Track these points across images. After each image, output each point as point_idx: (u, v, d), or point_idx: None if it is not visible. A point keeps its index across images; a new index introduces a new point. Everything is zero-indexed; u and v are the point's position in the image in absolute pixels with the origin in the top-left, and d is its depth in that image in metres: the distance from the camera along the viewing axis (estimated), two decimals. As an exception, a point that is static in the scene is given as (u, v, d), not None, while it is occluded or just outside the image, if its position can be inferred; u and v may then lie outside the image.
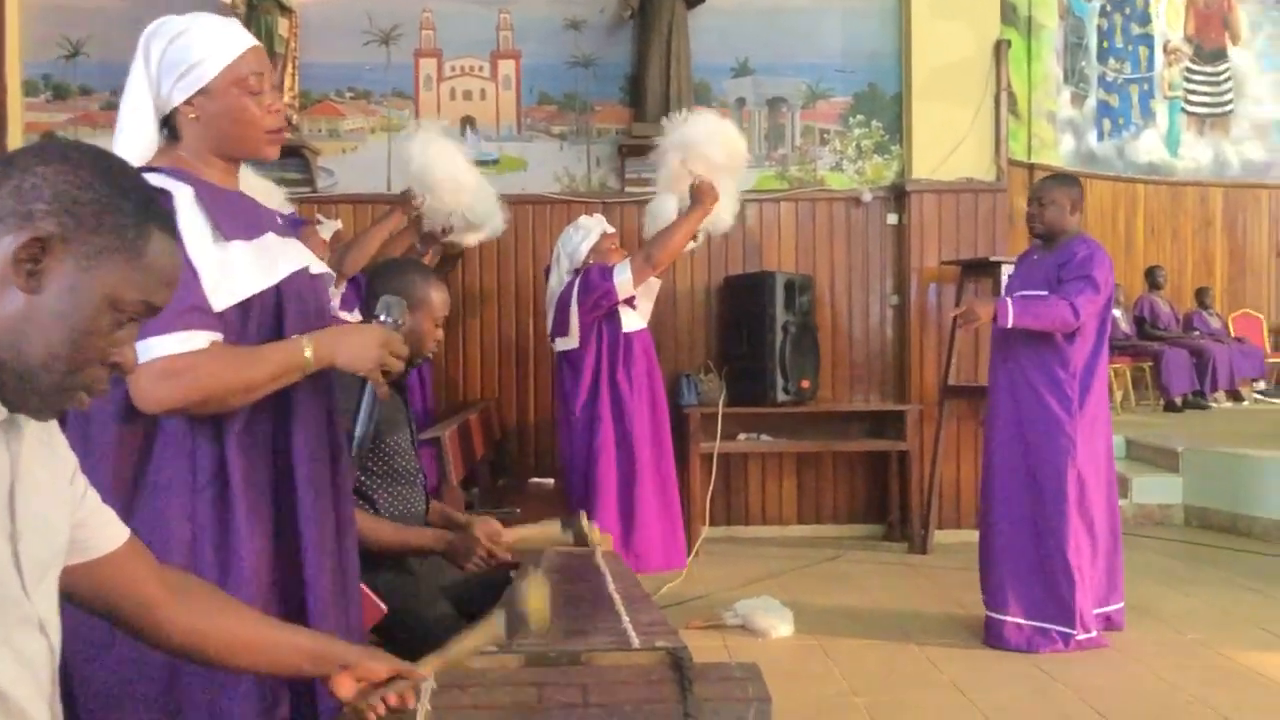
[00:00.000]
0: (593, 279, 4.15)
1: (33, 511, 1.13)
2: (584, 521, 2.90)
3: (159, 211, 1.15)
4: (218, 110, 1.76)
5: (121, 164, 1.15)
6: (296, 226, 3.33)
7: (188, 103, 1.76)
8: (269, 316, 1.78)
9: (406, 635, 2.54)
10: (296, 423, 1.79)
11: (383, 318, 1.91)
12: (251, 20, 5.44)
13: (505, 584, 2.58)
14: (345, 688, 1.49)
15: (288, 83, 5.76)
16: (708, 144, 4.13)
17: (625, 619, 2.22)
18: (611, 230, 4.45)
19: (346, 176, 6.04)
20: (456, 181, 4.13)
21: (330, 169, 6.08)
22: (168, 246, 1.15)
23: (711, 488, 5.76)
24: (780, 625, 4.23)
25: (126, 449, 1.68)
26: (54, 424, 1.24)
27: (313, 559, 1.80)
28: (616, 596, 2.43)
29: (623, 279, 4.09)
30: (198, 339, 1.65)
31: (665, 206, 4.41)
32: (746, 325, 5.94)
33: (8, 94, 5.66)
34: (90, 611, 1.34)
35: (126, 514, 1.64)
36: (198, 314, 1.66)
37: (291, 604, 1.79)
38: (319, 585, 1.80)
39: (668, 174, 4.21)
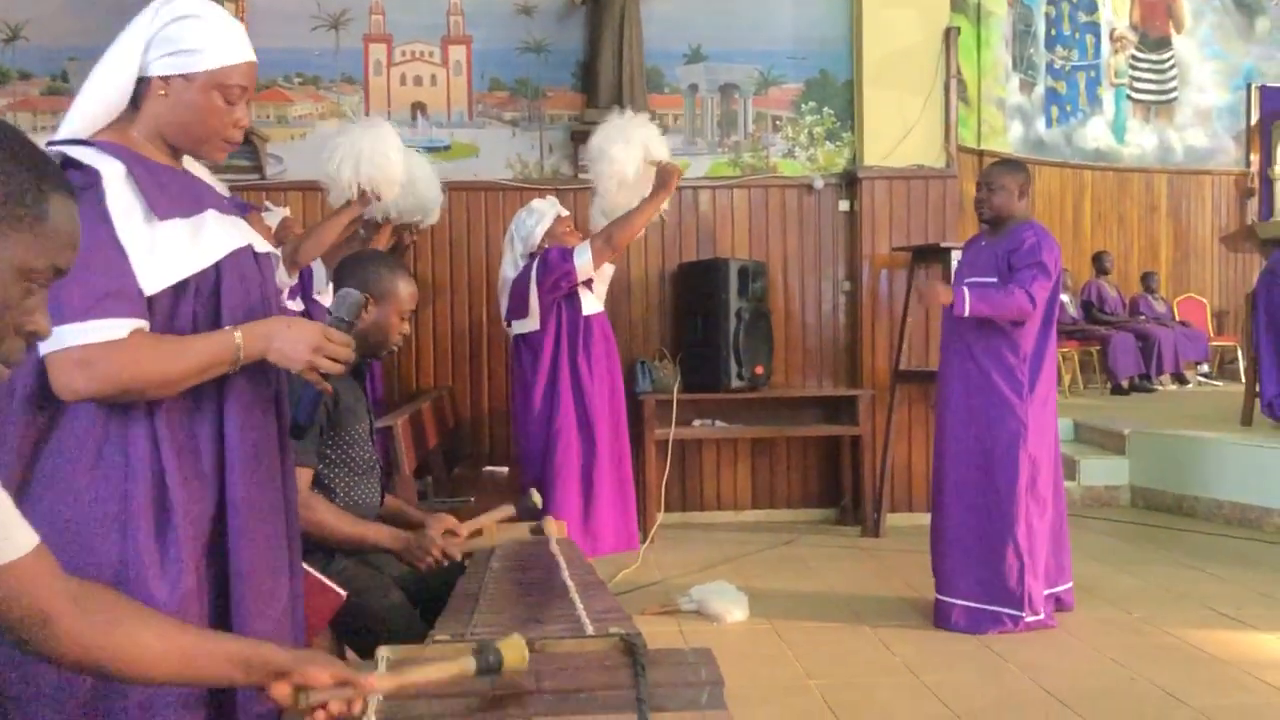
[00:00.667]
0: (552, 259, 4.14)
1: None
2: (534, 498, 2.93)
3: (52, 174, 1.13)
4: (188, 102, 1.73)
5: (10, 131, 1.12)
6: (241, 212, 3.28)
7: (164, 79, 1.72)
8: (205, 297, 1.73)
9: (360, 624, 2.53)
10: (231, 406, 1.75)
11: (332, 314, 1.86)
12: (196, 4, 5.35)
13: (459, 573, 2.58)
14: (282, 693, 1.41)
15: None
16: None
17: (579, 606, 2.22)
18: (566, 213, 4.43)
19: (295, 163, 5.97)
20: (399, 172, 4.14)
21: (279, 155, 6.01)
22: (68, 208, 1.14)
23: (667, 474, 5.78)
24: (735, 610, 4.25)
25: (33, 434, 1.63)
26: None
27: (243, 544, 1.75)
28: (571, 584, 2.43)
29: (583, 260, 4.09)
30: (116, 327, 1.60)
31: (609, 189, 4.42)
32: (700, 312, 5.96)
33: (-57, 78, 5.53)
34: None
35: (27, 500, 1.60)
36: (117, 300, 1.61)
37: (221, 597, 1.75)
38: (248, 574, 1.75)
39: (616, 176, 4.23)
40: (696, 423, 5.97)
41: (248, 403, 1.77)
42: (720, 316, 5.82)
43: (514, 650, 1.56)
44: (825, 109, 6.39)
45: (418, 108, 6.12)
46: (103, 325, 1.59)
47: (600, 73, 5.94)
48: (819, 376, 6.40)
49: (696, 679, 1.63)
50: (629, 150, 4.21)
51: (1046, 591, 4.12)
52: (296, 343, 1.73)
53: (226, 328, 1.72)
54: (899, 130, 6.15)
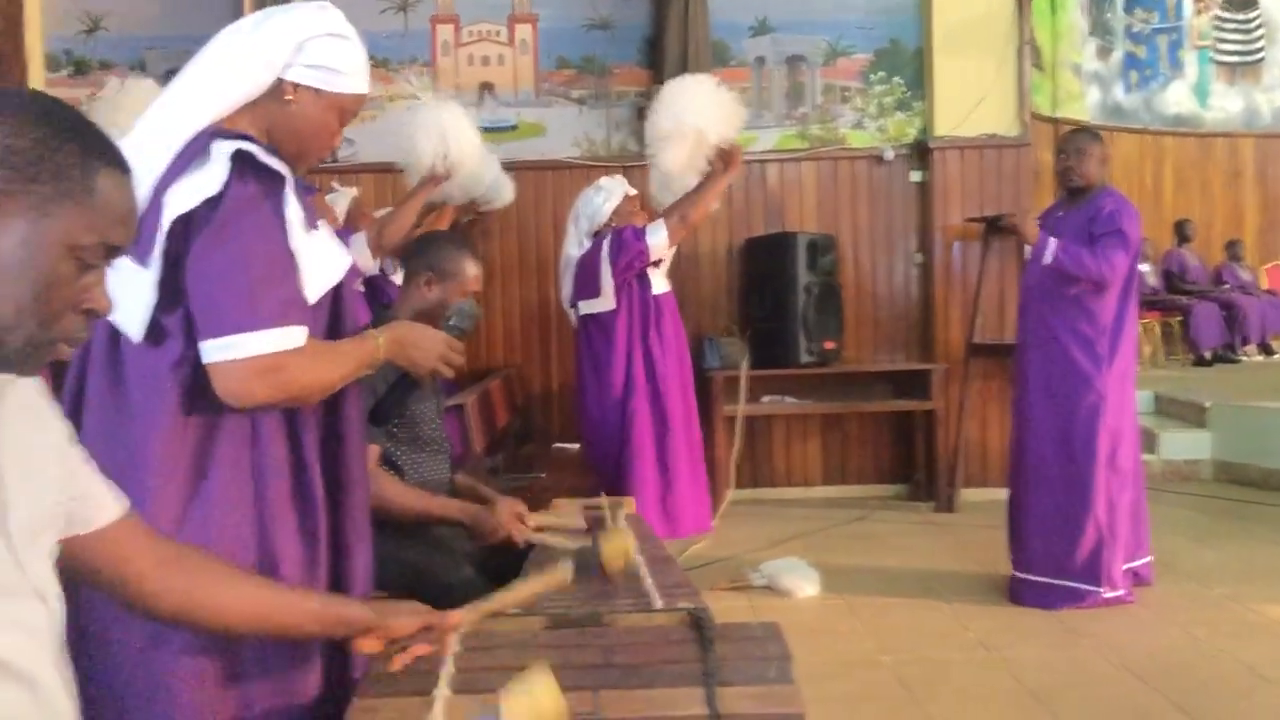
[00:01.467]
0: (626, 239, 4.12)
1: (20, 480, 1.12)
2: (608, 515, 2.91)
3: (101, 147, 1.10)
4: (309, 115, 1.74)
5: (50, 102, 1.10)
6: (307, 194, 3.31)
7: (296, 86, 1.73)
8: (326, 305, 1.76)
9: (432, 598, 2.55)
10: (348, 404, 1.80)
11: (452, 322, 1.95)
12: (267, -9, 5.44)
13: (529, 550, 2.61)
14: (370, 648, 1.49)
15: (305, 52, 5.74)
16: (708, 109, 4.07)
17: (648, 581, 2.23)
18: (634, 192, 4.42)
19: (367, 145, 6.04)
20: (473, 150, 4.15)
21: (350, 138, 6.08)
22: (118, 182, 1.11)
23: (736, 450, 5.77)
24: (806, 585, 4.24)
25: (186, 440, 1.63)
26: (43, 393, 1.23)
27: (356, 537, 1.81)
28: (640, 558, 2.44)
29: (657, 239, 4.06)
30: (295, 335, 1.61)
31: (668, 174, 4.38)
32: (769, 287, 5.92)
33: (30, 69, 5.68)
34: (94, 587, 1.33)
35: (187, 507, 1.62)
36: (294, 308, 1.62)
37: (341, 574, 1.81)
38: (356, 543, 1.82)
39: (675, 148, 4.13)
40: (766, 399, 5.94)
41: (357, 398, 1.83)
42: (789, 291, 5.78)
43: (615, 544, 1.62)
44: (895, 78, 6.29)
45: (485, 88, 6.16)
46: (287, 333, 1.60)
47: (666, 48, 5.91)
48: (890, 351, 6.32)
49: (764, 654, 1.63)
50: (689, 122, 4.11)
51: (1125, 566, 4.05)
52: (428, 352, 1.86)
53: (370, 332, 1.78)
54: (971, 99, 6.04)
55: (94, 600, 1.46)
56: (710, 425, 5.55)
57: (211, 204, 1.60)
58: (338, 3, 1.83)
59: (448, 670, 1.57)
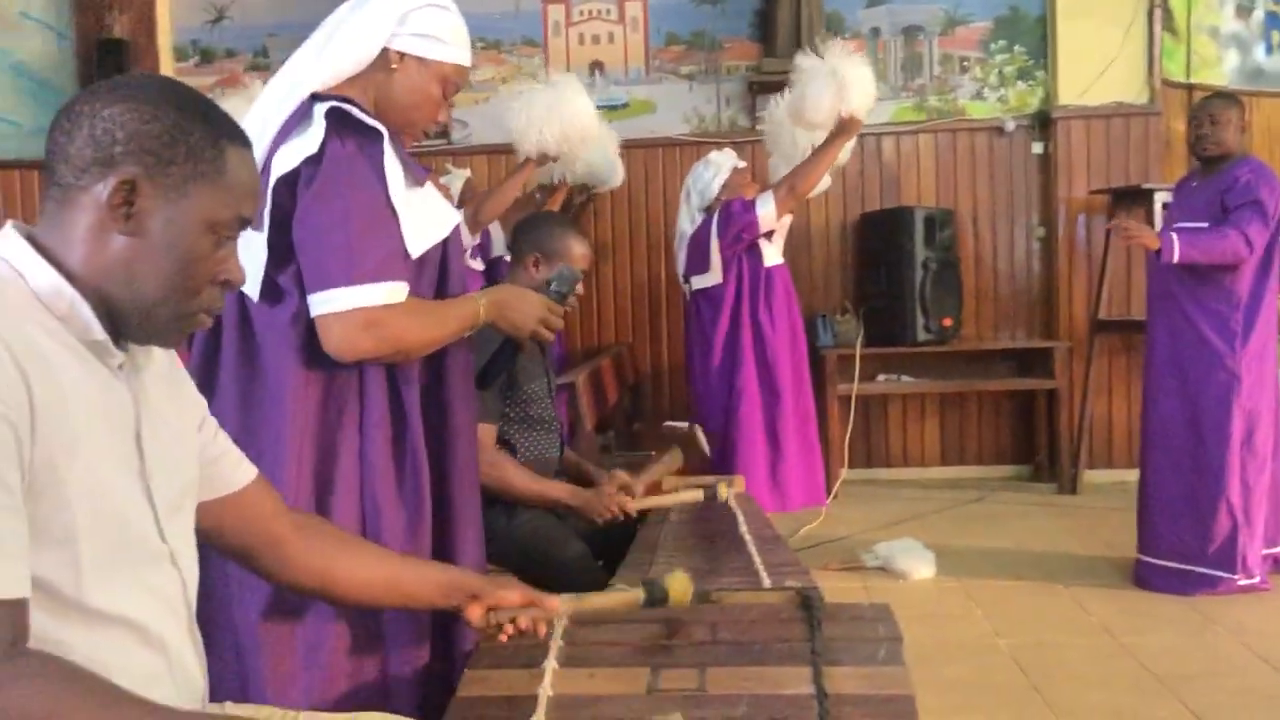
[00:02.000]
0: (734, 211, 4.10)
1: (161, 449, 1.17)
2: (698, 434, 2.95)
3: (228, 127, 1.16)
4: (414, 84, 1.81)
5: (180, 88, 1.15)
6: (423, 177, 3.37)
7: (401, 55, 1.79)
8: (435, 264, 1.81)
9: (543, 573, 2.59)
10: (451, 366, 1.83)
11: (552, 287, 1.97)
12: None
13: (639, 525, 2.61)
14: (476, 615, 1.52)
15: (420, 35, 5.82)
16: (867, 94, 3.99)
17: (757, 559, 2.22)
18: (743, 165, 4.38)
19: (480, 127, 6.10)
20: (576, 131, 4.15)
21: (464, 120, 6.15)
22: (244, 158, 1.17)
23: (850, 429, 5.69)
24: (921, 567, 4.16)
25: (309, 399, 1.69)
26: (177, 364, 1.28)
27: (456, 484, 1.84)
28: (748, 537, 2.43)
29: (766, 210, 4.03)
30: (398, 290, 1.66)
31: (782, 132, 4.31)
32: (884, 263, 5.81)
33: (159, 59, 5.89)
34: (226, 553, 1.39)
35: (311, 456, 1.68)
36: (395, 263, 1.66)
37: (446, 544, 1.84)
38: (462, 509, 1.85)
39: (820, 104, 4.02)
40: (881, 377, 5.84)
41: (462, 363, 1.87)
42: (905, 267, 5.66)
43: (678, 585, 1.66)
44: (1016, 46, 6.08)
45: (595, 66, 6.16)
46: (389, 288, 1.64)
47: (778, 20, 5.82)
48: (1011, 328, 6.15)
49: (874, 635, 1.60)
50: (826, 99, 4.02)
51: (1265, 552, 3.87)
52: (527, 315, 1.86)
53: (472, 294, 1.82)
54: (1097, 65, 5.80)
55: (220, 567, 1.51)
56: (823, 404, 5.49)
57: (311, 163, 1.65)
58: (452, -17, 1.86)
59: (556, 643, 1.58)
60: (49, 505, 1.00)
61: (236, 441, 1.39)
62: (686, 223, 4.39)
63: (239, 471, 1.36)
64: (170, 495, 1.18)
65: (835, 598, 1.76)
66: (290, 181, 1.66)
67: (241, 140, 1.17)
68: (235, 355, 1.70)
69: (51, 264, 1.08)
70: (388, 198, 1.67)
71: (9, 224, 1.11)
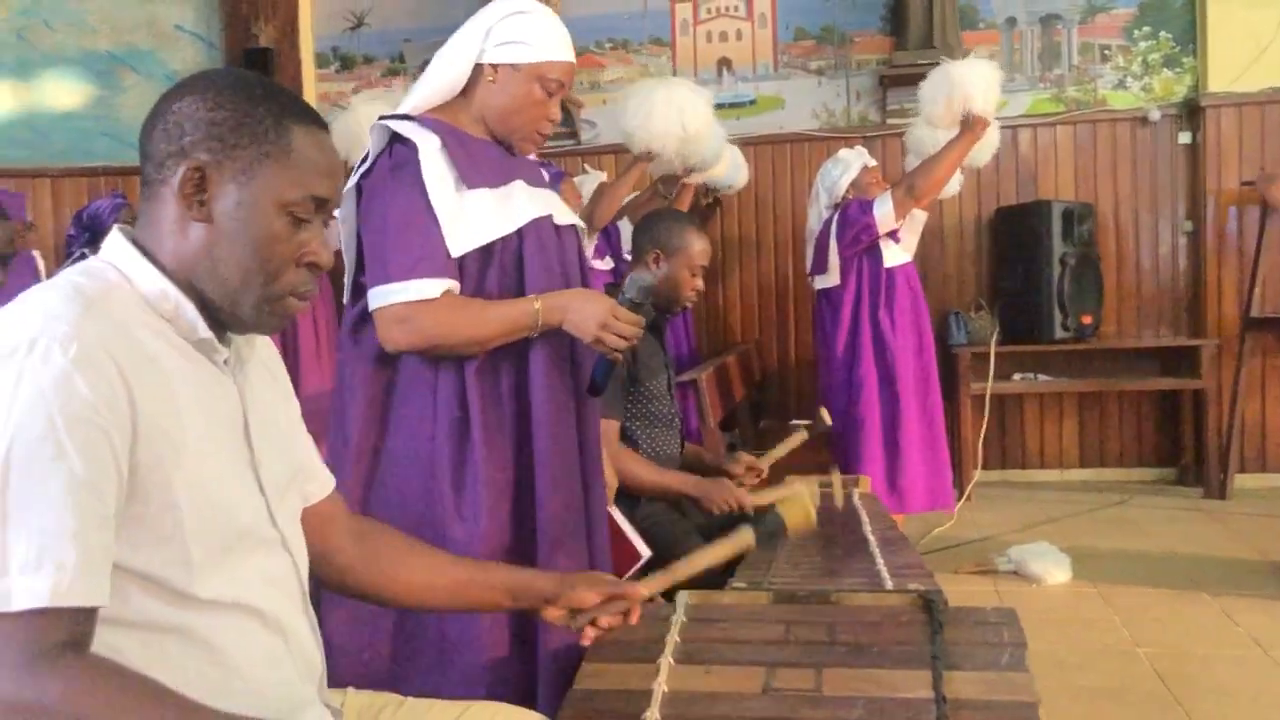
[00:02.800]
0: (851, 213, 4.05)
1: (268, 438, 1.21)
2: (824, 415, 2.95)
3: (294, 108, 1.17)
4: (512, 90, 1.87)
5: (246, 75, 1.18)
6: (555, 179, 3.45)
7: (494, 67, 1.87)
8: (509, 262, 1.86)
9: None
10: (534, 365, 1.87)
11: (624, 295, 1.94)
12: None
13: (761, 522, 2.60)
14: (554, 617, 1.49)
15: (550, 37, 5.91)
16: (983, 94, 3.90)
17: (879, 561, 2.20)
18: (873, 163, 4.31)
19: (609, 128, 6.15)
20: (677, 127, 4.14)
21: (592, 121, 6.23)
22: (315, 138, 1.17)
23: (984, 429, 5.55)
24: (1056, 571, 4.03)
25: (381, 383, 1.86)
26: (278, 361, 1.33)
27: (545, 495, 1.87)
28: (872, 538, 2.40)
29: (883, 212, 3.96)
30: (429, 287, 1.76)
31: (924, 136, 4.25)
32: (1020, 258, 5.65)
33: (301, 66, 6.13)
34: None
35: (384, 441, 1.84)
36: (431, 262, 1.77)
37: (524, 540, 1.88)
38: (550, 523, 1.87)
39: (936, 107, 3.97)
40: (1016, 376, 5.69)
41: (547, 362, 1.88)
42: (1042, 263, 5.49)
43: (796, 511, 1.56)
44: (1162, 33, 5.84)
45: (723, 64, 6.15)
46: (418, 285, 1.76)
47: (910, 12, 5.70)
48: (1155, 326, 5.90)
49: (998, 639, 1.57)
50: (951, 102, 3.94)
51: None
52: (588, 318, 1.84)
53: (529, 296, 1.85)
54: (1250, 50, 5.52)
55: None
56: (955, 403, 5.38)
57: (366, 176, 1.84)
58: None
59: (673, 639, 1.59)
60: (157, 504, 1.04)
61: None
62: (815, 220, 4.35)
63: (321, 481, 1.39)
64: (279, 482, 1.22)
65: (966, 601, 1.73)
66: (358, 196, 1.85)
67: (309, 119, 1.18)
68: (341, 355, 1.91)
69: (154, 265, 1.12)
70: (427, 203, 1.77)
71: (115, 228, 1.16)
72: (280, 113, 1.14)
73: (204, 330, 1.13)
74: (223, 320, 1.16)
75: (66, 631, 0.95)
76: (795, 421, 5.55)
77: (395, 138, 1.83)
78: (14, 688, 0.92)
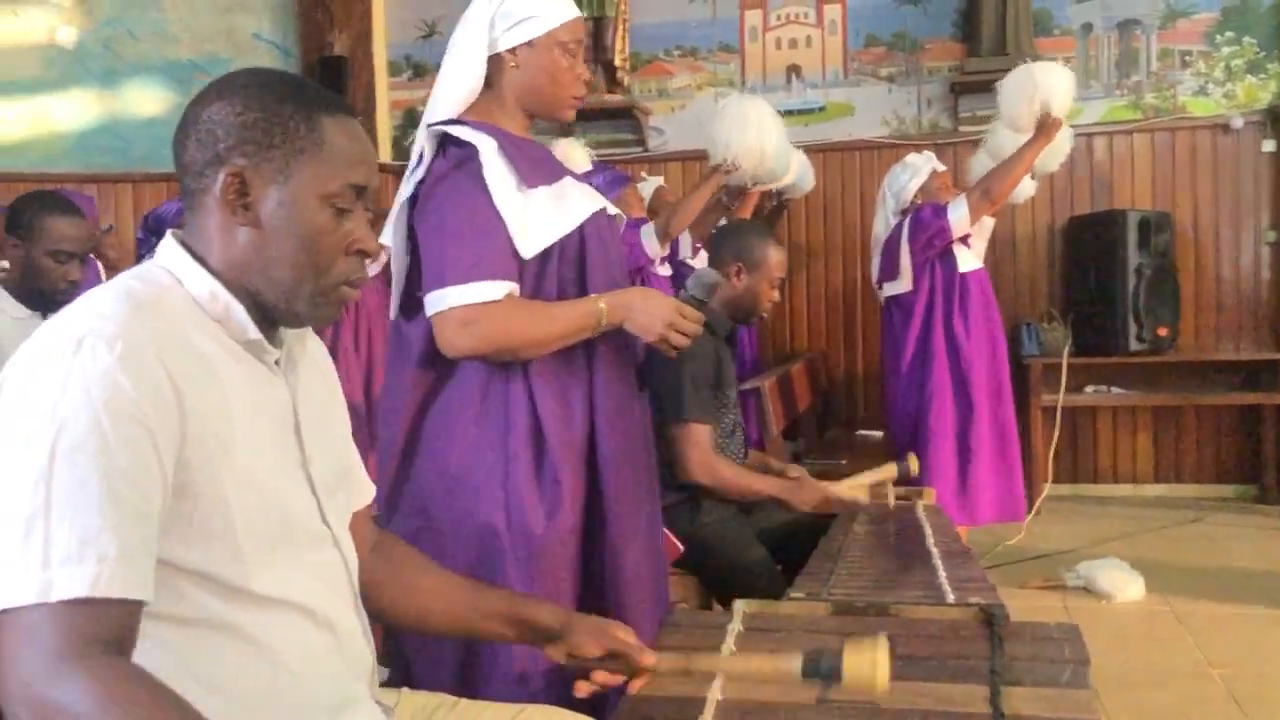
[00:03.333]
0: (925, 217, 4.00)
1: (318, 437, 1.22)
2: (911, 463, 2.89)
3: (320, 100, 1.17)
4: (537, 64, 1.87)
5: (267, 74, 1.18)
6: (618, 185, 3.45)
7: (511, 51, 1.87)
8: (570, 260, 1.86)
9: (722, 575, 2.61)
10: (598, 367, 1.87)
11: (687, 290, 1.93)
12: (583, -15, 5.68)
13: (822, 532, 2.58)
14: (556, 657, 1.43)
15: (618, 45, 5.95)
16: (1063, 96, 3.86)
17: (941, 573, 2.16)
18: (942, 169, 4.26)
19: (676, 134, 6.17)
20: (758, 142, 4.13)
21: (660, 128, 6.24)
22: (344, 126, 1.17)
23: (1055, 443, 5.45)
24: (1127, 588, 3.94)
25: (422, 391, 1.84)
26: (329, 363, 1.34)
27: (611, 491, 1.87)
28: (935, 551, 2.36)
29: (958, 215, 3.91)
30: (492, 290, 1.73)
31: (1004, 140, 4.20)
32: (1094, 268, 5.54)
33: (375, 74, 6.23)
34: None
35: (416, 448, 1.84)
36: (493, 264, 1.75)
37: (593, 553, 1.88)
38: (617, 520, 1.87)
39: (1018, 108, 3.93)
40: (1089, 389, 5.58)
41: (612, 364, 1.88)
42: (1117, 273, 5.38)
43: (858, 666, 1.25)
44: (1246, 38, 5.69)
45: (792, 71, 6.12)
46: (482, 288, 1.73)
47: (982, 19, 5.63)
48: (1235, 339, 5.74)
49: (1059, 656, 1.53)
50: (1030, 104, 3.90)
51: None
52: (653, 317, 1.82)
53: (592, 296, 1.84)
54: (1340, 55, 5.37)
55: None
56: (1026, 415, 5.28)
57: (420, 184, 1.81)
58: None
59: (728, 648, 1.58)
60: (207, 502, 1.05)
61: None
62: (881, 226, 4.31)
63: (362, 491, 1.39)
64: (329, 481, 1.23)
65: (1033, 617, 1.70)
66: (411, 206, 1.83)
67: (338, 110, 1.18)
68: (393, 373, 1.89)
69: (204, 268, 1.14)
70: (489, 203, 1.75)
71: (169, 232, 1.18)
72: (308, 107, 1.15)
73: (254, 332, 1.14)
74: (278, 317, 1.17)
75: (106, 627, 0.94)
76: (863, 432, 5.54)
77: (448, 141, 1.82)
78: (45, 680, 0.90)
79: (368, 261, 1.21)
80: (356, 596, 1.26)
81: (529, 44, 1.86)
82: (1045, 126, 3.82)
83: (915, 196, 4.15)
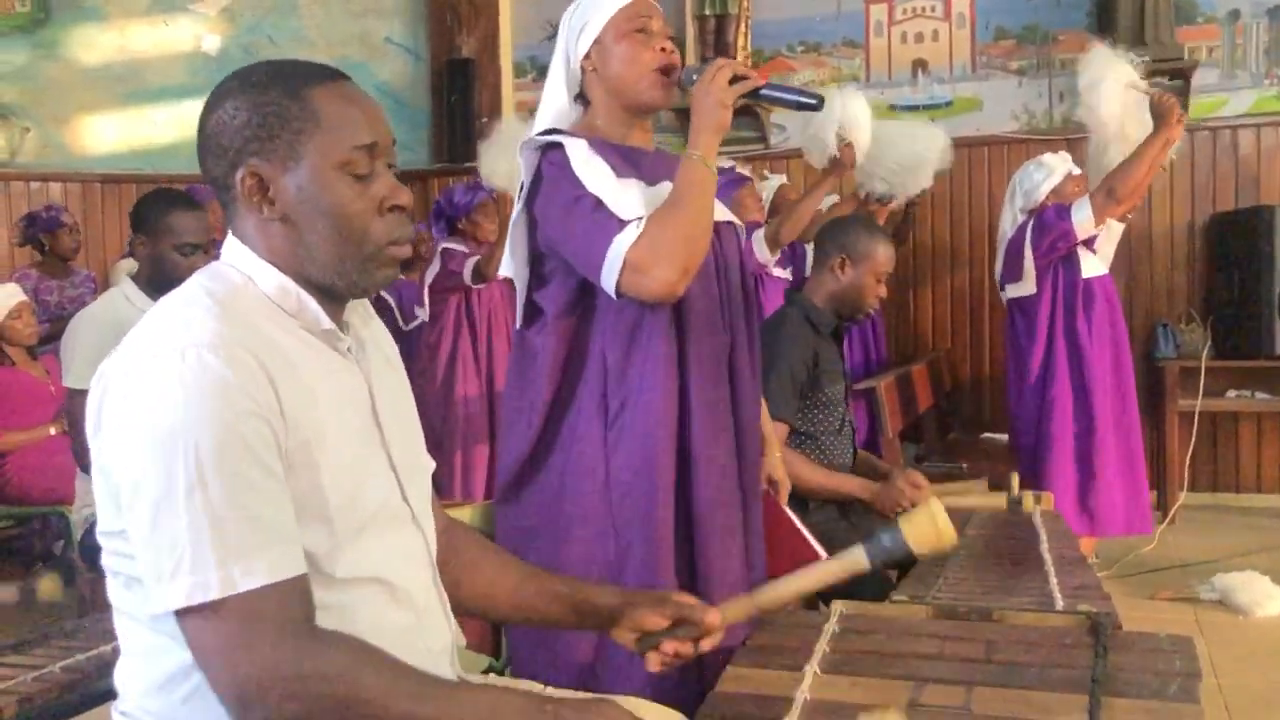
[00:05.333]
0: (1048, 218, 3.89)
1: (395, 419, 1.26)
2: (1013, 480, 2.78)
3: (302, 73, 1.19)
4: (613, 60, 1.88)
5: (249, 70, 1.20)
6: (734, 185, 3.43)
7: (587, 58, 1.89)
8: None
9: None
10: (690, 361, 1.86)
11: (686, 76, 1.89)
12: (704, -18, 5.72)
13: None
14: (624, 639, 1.42)
15: (740, 41, 5.94)
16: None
17: (1053, 580, 2.10)
18: (1078, 173, 4.10)
19: (797, 130, 6.10)
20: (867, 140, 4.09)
21: (782, 125, 6.19)
22: (335, 91, 1.18)
23: (1191, 450, 5.21)
24: (1267, 603, 3.75)
25: (549, 393, 1.87)
26: (395, 352, 1.37)
27: (702, 492, 1.86)
28: (1048, 557, 2.30)
29: (1082, 217, 3.78)
30: (628, 233, 1.73)
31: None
32: (1238, 267, 5.28)
33: (501, 76, 6.34)
34: None
35: (548, 452, 1.87)
36: (614, 217, 1.75)
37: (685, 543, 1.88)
38: (708, 519, 1.87)
39: (1105, 110, 3.82)
40: (1231, 393, 5.32)
41: (704, 357, 1.88)
42: (1264, 272, 5.12)
43: (922, 524, 1.29)
44: None
45: (918, 65, 6.00)
46: (619, 239, 1.73)
47: (1119, 8, 5.42)
48: (1397, 342, 5.40)
49: (1168, 668, 1.47)
50: (1111, 88, 3.78)
51: None
52: (708, 91, 1.79)
53: (678, 155, 1.87)
54: None
55: None
56: (1161, 421, 5.07)
57: (532, 193, 1.85)
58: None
59: (821, 647, 1.57)
60: (306, 485, 1.11)
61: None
62: (1008, 224, 4.19)
63: (428, 469, 1.41)
64: (408, 460, 1.27)
65: (1164, 629, 1.64)
66: (528, 223, 1.88)
67: (324, 78, 1.19)
68: (515, 377, 1.94)
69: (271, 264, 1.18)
70: (584, 188, 1.77)
71: (230, 233, 1.22)
72: (293, 85, 1.17)
73: (326, 322, 1.18)
74: (340, 293, 1.21)
75: (301, 604, 1.06)
76: (988, 435, 5.40)
77: (546, 149, 1.85)
78: (292, 658, 1.02)
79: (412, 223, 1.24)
80: (435, 575, 1.30)
81: (597, 43, 1.87)
82: (1163, 113, 3.66)
83: (1046, 198, 4.01)
